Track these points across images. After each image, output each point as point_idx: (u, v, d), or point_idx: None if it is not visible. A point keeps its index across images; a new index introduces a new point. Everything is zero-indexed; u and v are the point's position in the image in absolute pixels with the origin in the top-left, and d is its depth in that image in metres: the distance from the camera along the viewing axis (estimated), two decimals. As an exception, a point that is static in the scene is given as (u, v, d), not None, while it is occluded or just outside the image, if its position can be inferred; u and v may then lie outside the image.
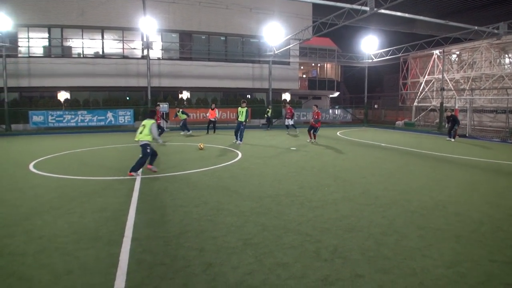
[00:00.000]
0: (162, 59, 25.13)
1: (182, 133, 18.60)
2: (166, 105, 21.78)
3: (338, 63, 33.67)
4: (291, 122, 19.67)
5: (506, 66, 23.37)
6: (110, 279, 3.35)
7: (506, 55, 23.46)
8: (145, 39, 22.65)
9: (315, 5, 25.29)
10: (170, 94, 25.29)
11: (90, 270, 3.53)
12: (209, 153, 11.66)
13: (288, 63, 27.94)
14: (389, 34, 30.14)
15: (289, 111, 19.79)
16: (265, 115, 23.81)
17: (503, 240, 4.45)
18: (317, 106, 15.25)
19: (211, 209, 5.54)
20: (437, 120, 24.46)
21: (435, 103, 26.27)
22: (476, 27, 18.42)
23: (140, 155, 8.15)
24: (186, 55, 25.37)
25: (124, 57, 24.14)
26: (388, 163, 10.20)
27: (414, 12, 17.55)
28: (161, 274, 3.46)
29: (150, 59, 22.74)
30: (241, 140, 14.43)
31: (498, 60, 23.69)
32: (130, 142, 14.87)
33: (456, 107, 20.27)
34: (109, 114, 21.70)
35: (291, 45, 24.97)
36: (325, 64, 36.92)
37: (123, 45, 24.19)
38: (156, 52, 24.96)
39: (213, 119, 18.64)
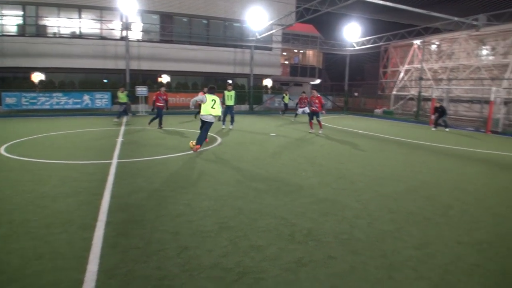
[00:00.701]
0: (142, 41, 24.46)
1: (116, 119, 16.24)
2: (145, 89, 21.35)
3: (320, 50, 33.70)
4: (305, 110, 18.62)
5: (483, 57, 23.89)
6: (83, 263, 3.30)
7: (484, 47, 23.96)
8: (124, 20, 22.00)
9: (298, -9, 25.10)
10: (149, 78, 24.80)
11: (62, 255, 3.46)
12: (188, 138, 11.57)
13: (271, 49, 27.78)
14: (371, 22, 30.31)
15: (305, 100, 19.16)
16: (282, 101, 23.71)
17: (470, 223, 4.62)
18: (316, 91, 14.34)
19: (188, 193, 5.52)
20: (415, 109, 24.94)
21: (414, 92, 26.71)
22: (456, 18, 18.71)
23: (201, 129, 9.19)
24: (166, 38, 24.82)
25: (102, 38, 23.38)
26: (365, 149, 10.37)
27: (396, 1, 17.64)
28: (135, 257, 3.44)
29: (129, 40, 22.16)
30: (232, 124, 14.40)
31: (475, 52, 24.16)
32: (106, 126, 14.59)
33: (433, 97, 20.68)
34: (86, 97, 21.10)
35: (273, 31, 24.78)
36: (308, 51, 36.89)
37: (101, 25, 23.42)
38: (135, 34, 24.27)
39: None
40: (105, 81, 24.29)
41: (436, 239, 4.08)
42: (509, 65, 20.80)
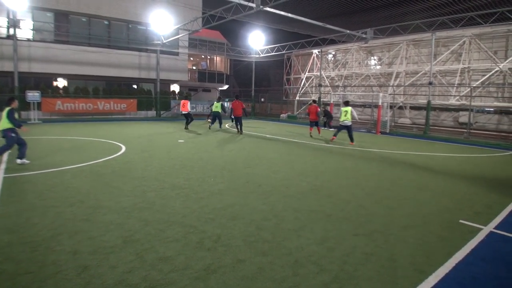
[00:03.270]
0: (33, 40, 21.95)
1: None
2: (37, 94, 19.22)
3: (227, 56, 34.24)
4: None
5: (371, 66, 26.83)
6: (-42, 299, 2.83)
7: (372, 57, 26.93)
8: (11, 16, 19.47)
9: (204, -3, 25.17)
10: (43, 82, 22.35)
11: None
12: (89, 147, 10.73)
13: (177, 54, 27.29)
14: (274, 31, 31.87)
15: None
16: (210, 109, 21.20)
17: (364, 216, 5.11)
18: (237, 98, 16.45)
19: (88, 208, 5.09)
20: (316, 113, 26.87)
21: (314, 97, 28.73)
22: (348, 31, 20.64)
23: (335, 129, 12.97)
24: (62, 38, 22.68)
25: (-17, 35, 20.39)
26: (271, 152, 10.79)
27: (296, 13, 18.80)
28: (27, 284, 3.05)
29: (17, 39, 19.72)
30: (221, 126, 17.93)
31: (365, 61, 27.07)
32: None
33: (331, 102, 22.50)
34: (-39, 104, 18.18)
35: (180, 35, 24.44)
36: (215, 57, 37.16)
37: (-19, 21, 20.40)
38: (25, 32, 21.62)
39: (185, 113, 17.34)
40: None
41: (335, 233, 4.41)
42: (393, 74, 23.68)
